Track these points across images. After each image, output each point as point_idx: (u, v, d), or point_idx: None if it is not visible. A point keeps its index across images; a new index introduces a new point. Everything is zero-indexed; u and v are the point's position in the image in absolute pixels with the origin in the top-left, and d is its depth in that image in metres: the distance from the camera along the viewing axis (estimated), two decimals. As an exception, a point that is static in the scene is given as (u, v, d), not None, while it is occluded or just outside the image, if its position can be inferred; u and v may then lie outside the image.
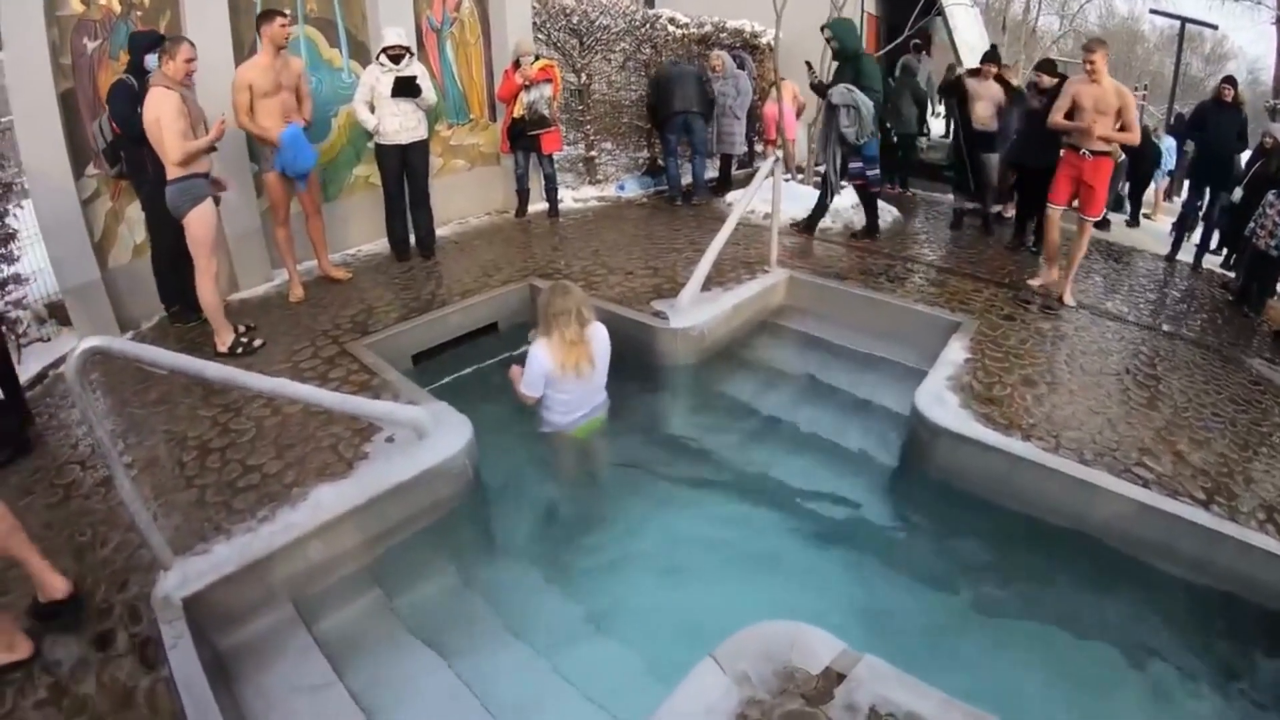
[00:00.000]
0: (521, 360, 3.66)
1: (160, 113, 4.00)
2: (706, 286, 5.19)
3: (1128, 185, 8.82)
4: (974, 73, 7.23)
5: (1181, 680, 2.90)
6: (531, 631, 2.95)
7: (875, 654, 2.16)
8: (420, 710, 2.59)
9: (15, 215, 4.90)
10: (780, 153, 5.83)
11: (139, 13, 4.82)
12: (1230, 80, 6.88)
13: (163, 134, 4.03)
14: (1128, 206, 9.26)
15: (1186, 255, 7.11)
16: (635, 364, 4.88)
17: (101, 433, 2.41)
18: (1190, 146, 7.98)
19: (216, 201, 4.34)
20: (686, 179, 8.42)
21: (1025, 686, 2.78)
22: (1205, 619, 3.07)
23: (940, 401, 3.90)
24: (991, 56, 7.13)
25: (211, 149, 4.29)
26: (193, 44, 4.23)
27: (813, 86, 6.72)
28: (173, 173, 4.13)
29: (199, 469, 3.39)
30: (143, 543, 2.77)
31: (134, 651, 2.48)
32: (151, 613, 2.56)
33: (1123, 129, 5.09)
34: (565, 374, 3.54)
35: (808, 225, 7.03)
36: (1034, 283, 5.79)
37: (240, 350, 4.43)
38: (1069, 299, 5.49)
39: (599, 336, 3.66)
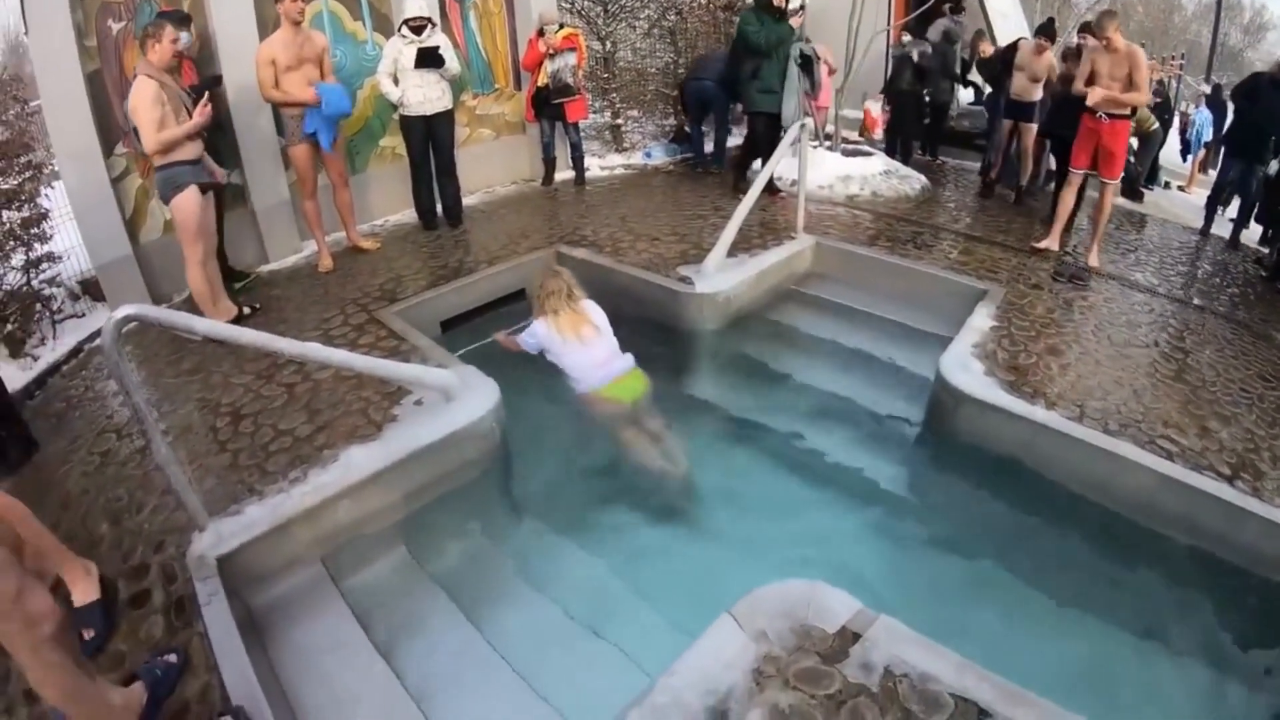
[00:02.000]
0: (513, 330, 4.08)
1: (135, 101, 3.95)
2: (733, 253, 5.19)
3: (1137, 144, 8.51)
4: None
5: (1195, 655, 2.91)
6: (555, 589, 3.03)
7: (892, 615, 2.19)
8: (445, 666, 2.67)
9: (47, 195, 4.99)
10: (809, 120, 5.76)
11: (163, -9, 4.87)
12: None
13: (138, 123, 4.00)
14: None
15: (1220, 229, 6.94)
16: (661, 328, 4.93)
17: (137, 396, 2.48)
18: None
19: (205, 190, 4.29)
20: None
21: (1039, 653, 2.80)
22: (1224, 595, 3.06)
23: (965, 368, 3.88)
24: (1046, 30, 6.92)
25: (200, 135, 4.24)
26: (176, 24, 4.21)
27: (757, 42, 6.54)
28: (156, 160, 4.11)
29: (232, 434, 3.48)
30: (178, 505, 2.88)
31: (169, 609, 2.58)
32: (186, 571, 2.66)
33: (1134, 89, 5.09)
34: (569, 341, 3.68)
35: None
36: (1039, 244, 5.80)
37: None
38: (1095, 261, 5.48)
39: (593, 306, 3.85)
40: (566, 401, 3.86)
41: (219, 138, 4.94)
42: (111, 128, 4.73)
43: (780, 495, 3.62)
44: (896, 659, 2.06)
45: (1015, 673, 2.02)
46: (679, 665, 2.05)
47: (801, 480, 3.75)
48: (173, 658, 2.36)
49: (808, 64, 6.57)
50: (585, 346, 3.67)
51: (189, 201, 4.19)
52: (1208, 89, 10.89)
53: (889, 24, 8.70)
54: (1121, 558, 3.22)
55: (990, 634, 2.83)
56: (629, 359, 3.81)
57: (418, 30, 5.55)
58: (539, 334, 3.72)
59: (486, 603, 2.94)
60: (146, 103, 3.93)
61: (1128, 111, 5.24)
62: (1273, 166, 6.23)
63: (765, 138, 6.91)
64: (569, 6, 7.75)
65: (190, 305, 4.56)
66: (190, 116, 4.15)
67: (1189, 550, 3.15)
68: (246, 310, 4.70)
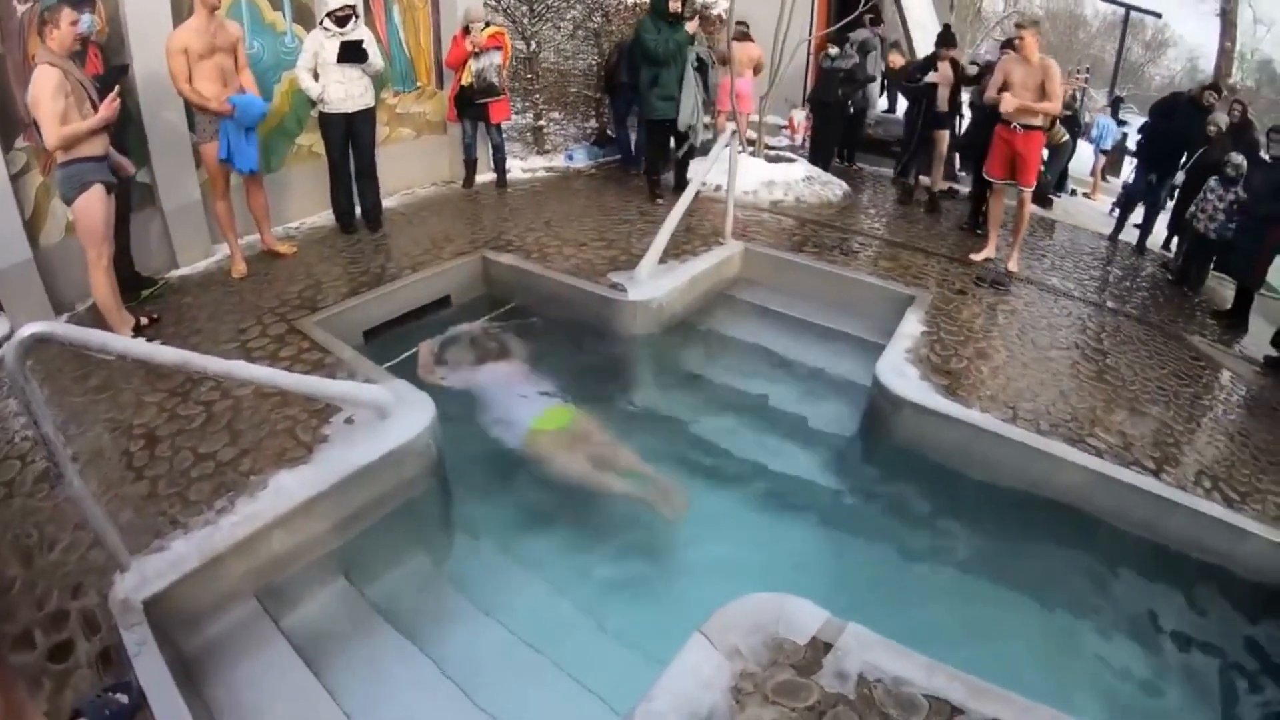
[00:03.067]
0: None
1: (36, 92, 3.62)
2: (662, 259, 5.15)
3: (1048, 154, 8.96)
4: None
5: (1137, 635, 3.05)
6: (506, 612, 2.91)
7: (851, 620, 2.20)
8: (395, 698, 2.55)
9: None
10: (734, 125, 5.79)
11: (71, -29, 4.49)
12: (1215, 89, 7.00)
13: (38, 116, 3.68)
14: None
15: (1128, 235, 7.36)
16: (594, 336, 4.86)
17: (48, 427, 2.23)
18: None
19: (110, 189, 3.99)
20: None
21: (993, 645, 2.86)
22: (1159, 580, 3.23)
23: (901, 374, 3.97)
24: (946, 40, 7.16)
25: (106, 129, 3.92)
26: (76, 5, 3.86)
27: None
28: (60, 156, 3.79)
29: (148, 459, 3.22)
30: (95, 542, 2.63)
31: (95, 661, 2.36)
32: (110, 618, 2.42)
33: (1046, 99, 5.31)
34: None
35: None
36: (977, 256, 6.01)
37: None
38: (1014, 266, 5.73)
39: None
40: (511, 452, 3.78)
41: (126, 132, 4.58)
42: (11, 119, 4.30)
43: (724, 507, 3.59)
44: (869, 665, 2.08)
45: (971, 664, 2.07)
46: (657, 690, 2.00)
47: (744, 490, 3.73)
48: (123, 698, 2.18)
49: (703, 68, 6.71)
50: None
51: (94, 202, 3.88)
52: (1105, 103, 11.53)
53: (810, 34, 8.86)
54: (1062, 550, 3.36)
55: (945, 629, 2.89)
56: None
57: (341, 22, 5.30)
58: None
59: (437, 631, 2.81)
60: (48, 94, 3.60)
61: (1040, 122, 5.45)
62: (1179, 177, 6.59)
63: (662, 143, 7.06)
64: (494, 5, 7.56)
65: (94, 313, 4.23)
66: (95, 109, 3.82)
67: (1124, 539, 3.32)
68: (144, 320, 4.38)
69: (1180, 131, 6.83)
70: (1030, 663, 2.82)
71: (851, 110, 8.45)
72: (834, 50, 8.03)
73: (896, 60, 8.10)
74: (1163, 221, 7.31)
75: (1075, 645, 2.98)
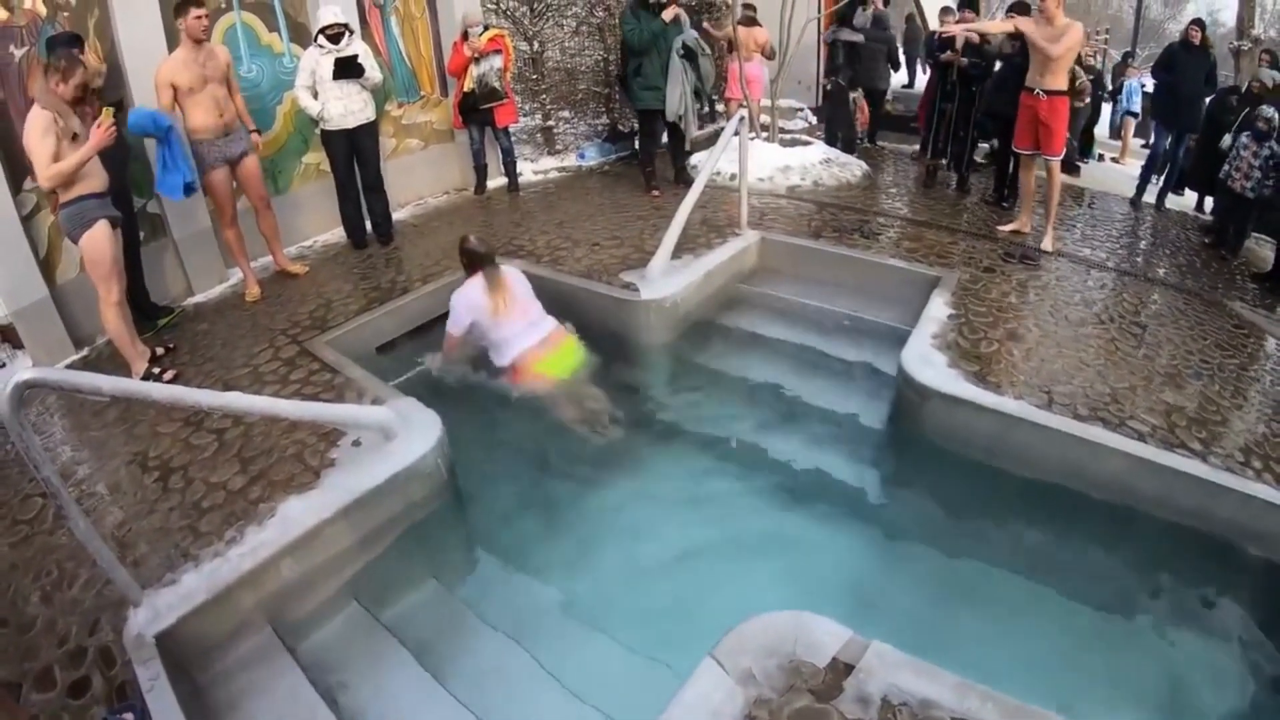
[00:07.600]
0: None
1: (27, 136, 3.66)
2: (676, 254, 5.03)
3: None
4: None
5: (1187, 635, 2.87)
6: (522, 634, 2.84)
7: (880, 633, 2.09)
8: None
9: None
10: (745, 110, 5.63)
11: (65, 13, 4.48)
12: (1198, 23, 6.80)
13: (31, 156, 3.69)
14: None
15: (1151, 197, 7.08)
16: (608, 339, 4.73)
17: (48, 471, 2.22)
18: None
19: (115, 224, 3.97)
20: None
21: (1033, 652, 2.73)
22: (1209, 572, 3.04)
23: (928, 362, 3.80)
24: (971, 2, 6.91)
25: (106, 165, 3.93)
26: (86, 68, 3.91)
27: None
28: (62, 196, 3.80)
29: (161, 491, 3.22)
30: (110, 578, 2.62)
31: (110, 696, 2.37)
32: (125, 653, 2.43)
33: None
34: (496, 306, 3.90)
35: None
36: (1004, 229, 5.80)
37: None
38: (1049, 245, 5.46)
39: (510, 271, 4.12)
40: (510, 415, 3.87)
41: (127, 166, 4.60)
42: (19, 162, 4.31)
43: (748, 514, 3.47)
44: (893, 687, 1.96)
45: (1009, 676, 1.99)
46: (664, 720, 1.90)
47: (768, 495, 3.61)
48: (129, 717, 2.19)
49: (691, 56, 6.56)
50: (509, 316, 3.92)
51: (99, 238, 3.86)
52: (1118, 57, 11.06)
53: (819, 11, 8.63)
54: (1105, 544, 3.19)
55: (980, 640, 2.75)
56: (554, 325, 4.08)
57: (334, 39, 5.25)
58: (470, 297, 3.88)
59: (451, 656, 2.75)
60: (37, 134, 3.61)
61: (1064, 88, 5.23)
62: (1226, 140, 6.22)
63: (652, 133, 7.01)
64: (494, 7, 7.48)
65: (113, 346, 4.24)
66: None
67: (1170, 530, 3.13)
68: (160, 350, 4.40)
69: (1181, 80, 6.61)
70: (1074, 673, 2.67)
71: (859, 88, 8.16)
72: (834, 26, 7.81)
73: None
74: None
75: (1122, 651, 2.81)
